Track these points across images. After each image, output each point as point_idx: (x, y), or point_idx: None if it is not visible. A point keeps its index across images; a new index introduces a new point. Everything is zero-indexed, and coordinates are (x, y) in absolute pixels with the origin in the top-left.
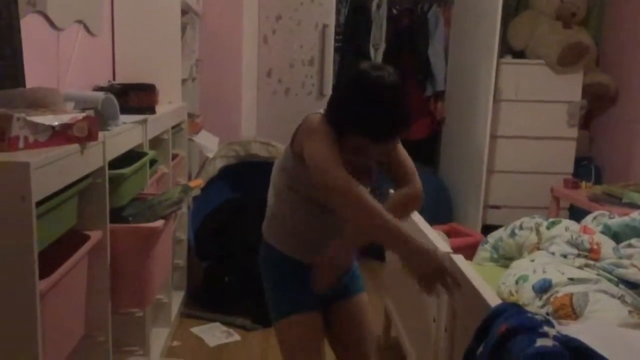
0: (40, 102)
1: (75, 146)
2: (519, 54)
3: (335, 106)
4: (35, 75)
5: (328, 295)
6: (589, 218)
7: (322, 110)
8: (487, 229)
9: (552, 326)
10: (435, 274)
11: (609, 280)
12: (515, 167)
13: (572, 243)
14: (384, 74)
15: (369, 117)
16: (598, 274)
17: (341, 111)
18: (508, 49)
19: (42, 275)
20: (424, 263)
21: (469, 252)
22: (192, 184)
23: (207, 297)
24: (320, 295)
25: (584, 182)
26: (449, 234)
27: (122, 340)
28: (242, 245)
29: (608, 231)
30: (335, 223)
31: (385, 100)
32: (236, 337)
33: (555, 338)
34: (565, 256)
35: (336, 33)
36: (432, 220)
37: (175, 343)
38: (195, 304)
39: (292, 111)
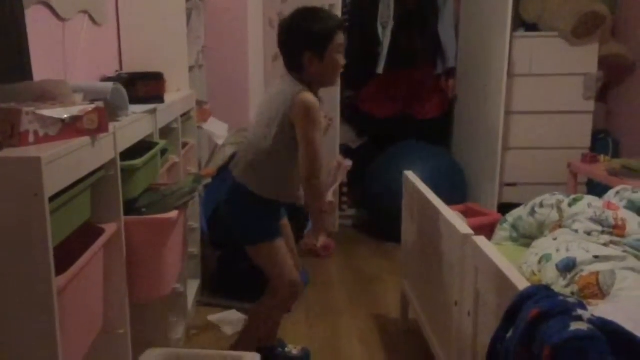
0: (49, 94)
1: (86, 139)
2: (532, 27)
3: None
4: (42, 67)
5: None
6: (611, 193)
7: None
8: (504, 207)
9: (585, 309)
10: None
11: (636, 257)
12: (531, 143)
13: (595, 220)
14: None
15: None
16: (624, 251)
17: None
18: (520, 22)
19: (59, 271)
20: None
21: (487, 231)
22: (204, 172)
23: (222, 285)
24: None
25: (602, 156)
26: (465, 214)
27: (140, 332)
28: None
29: (632, 206)
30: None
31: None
32: None
33: (590, 321)
34: (589, 233)
35: (342, 13)
36: (447, 200)
37: (192, 332)
38: (211, 291)
39: None
